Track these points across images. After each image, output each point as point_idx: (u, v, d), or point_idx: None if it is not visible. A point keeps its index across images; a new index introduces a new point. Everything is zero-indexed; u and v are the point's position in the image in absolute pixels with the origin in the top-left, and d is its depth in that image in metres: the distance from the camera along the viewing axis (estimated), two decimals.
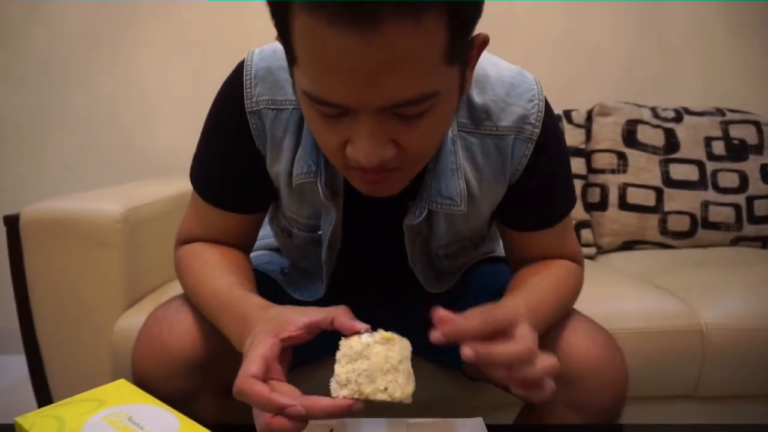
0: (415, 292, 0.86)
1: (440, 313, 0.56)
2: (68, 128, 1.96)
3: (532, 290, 0.72)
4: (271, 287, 0.90)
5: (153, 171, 1.89)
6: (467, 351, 0.55)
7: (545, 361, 0.58)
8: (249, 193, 0.78)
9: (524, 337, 0.57)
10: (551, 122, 0.74)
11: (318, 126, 0.58)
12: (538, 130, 0.72)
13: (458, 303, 0.90)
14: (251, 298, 0.68)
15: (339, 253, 0.82)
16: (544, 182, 0.76)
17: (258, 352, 0.56)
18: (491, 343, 0.56)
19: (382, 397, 0.54)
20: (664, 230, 1.71)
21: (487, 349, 0.55)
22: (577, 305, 0.80)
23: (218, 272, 0.75)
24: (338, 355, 0.55)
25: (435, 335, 0.55)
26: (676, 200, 1.72)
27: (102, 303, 1.15)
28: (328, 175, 0.72)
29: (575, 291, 0.80)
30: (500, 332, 0.57)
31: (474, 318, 0.56)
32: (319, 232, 0.81)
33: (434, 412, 0.74)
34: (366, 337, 0.55)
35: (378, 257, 0.84)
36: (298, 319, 0.59)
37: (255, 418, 0.55)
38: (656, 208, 1.71)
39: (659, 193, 1.71)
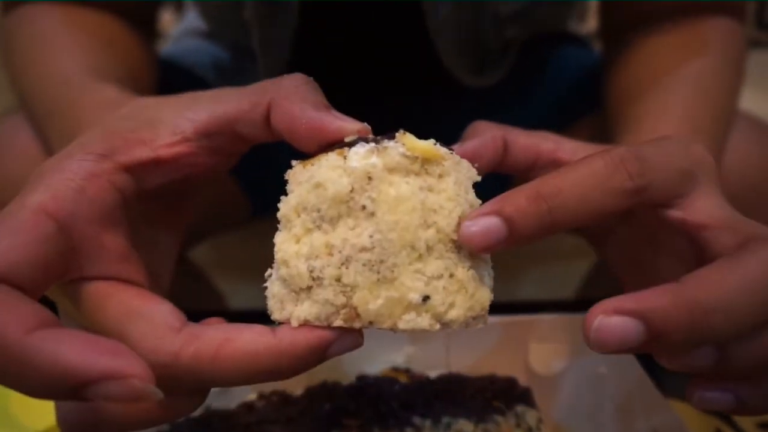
0: (441, 89, 0.55)
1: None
2: None
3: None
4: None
5: None
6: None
7: None
8: None
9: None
10: None
11: None
12: None
13: (512, 106, 0.61)
14: (103, 90, 0.34)
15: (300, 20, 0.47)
16: None
17: (30, 207, 0.21)
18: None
19: (409, 322, 0.20)
20: None
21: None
22: None
23: (60, 49, 0.42)
24: (283, 207, 0.22)
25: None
26: None
27: None
28: None
29: (742, 77, 0.47)
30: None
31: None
32: None
33: None
34: (361, 150, 0.21)
35: (372, 26, 0.53)
36: (178, 116, 0.24)
37: None
38: None
39: None
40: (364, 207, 0.20)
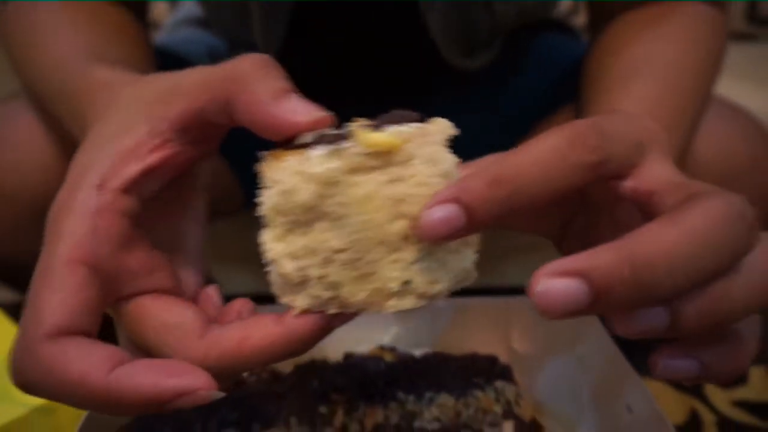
0: (430, 73, 0.55)
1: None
2: None
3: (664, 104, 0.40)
4: None
5: None
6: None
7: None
8: None
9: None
10: None
11: None
12: None
13: (505, 94, 0.62)
14: (95, 71, 0.34)
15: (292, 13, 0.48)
16: None
17: (60, 261, 0.22)
18: None
19: (395, 306, 0.22)
20: None
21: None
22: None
23: (59, 34, 0.42)
24: (263, 206, 0.22)
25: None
26: None
27: None
28: None
29: (718, 66, 0.46)
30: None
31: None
32: None
33: None
34: (321, 153, 0.21)
35: (367, 14, 0.53)
36: (153, 116, 0.24)
37: None
38: None
39: None
40: (333, 211, 0.21)
